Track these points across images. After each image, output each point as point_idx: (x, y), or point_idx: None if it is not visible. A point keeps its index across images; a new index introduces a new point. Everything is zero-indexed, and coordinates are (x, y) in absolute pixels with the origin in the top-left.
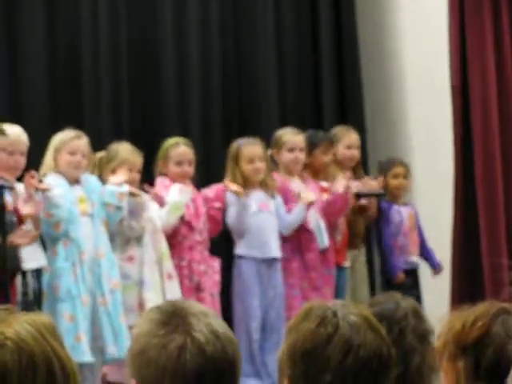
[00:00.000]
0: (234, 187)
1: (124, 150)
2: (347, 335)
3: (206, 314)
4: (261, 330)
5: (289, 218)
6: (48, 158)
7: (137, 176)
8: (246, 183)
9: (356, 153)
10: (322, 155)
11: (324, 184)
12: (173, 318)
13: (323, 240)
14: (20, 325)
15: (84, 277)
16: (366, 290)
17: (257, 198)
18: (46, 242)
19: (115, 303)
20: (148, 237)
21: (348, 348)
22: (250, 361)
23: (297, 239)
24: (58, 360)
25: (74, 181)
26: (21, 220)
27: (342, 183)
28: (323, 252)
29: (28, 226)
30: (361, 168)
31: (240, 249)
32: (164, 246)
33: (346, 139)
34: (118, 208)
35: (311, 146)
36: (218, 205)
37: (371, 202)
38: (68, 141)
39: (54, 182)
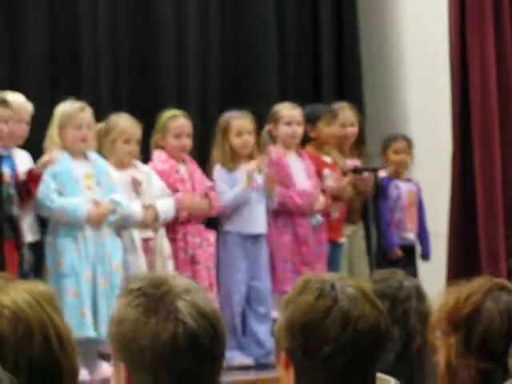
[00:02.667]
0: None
1: (123, 121)
2: (346, 308)
3: (189, 291)
4: (248, 302)
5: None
6: (52, 132)
7: (136, 147)
8: (234, 156)
9: (350, 130)
10: (325, 127)
11: (327, 159)
12: (160, 303)
13: (316, 217)
14: (17, 293)
15: (87, 253)
16: (364, 264)
17: (244, 173)
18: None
19: (113, 286)
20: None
21: (347, 321)
22: (232, 333)
23: (289, 214)
24: (54, 328)
25: (81, 155)
26: (25, 191)
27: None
28: (316, 228)
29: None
30: (363, 144)
31: (226, 225)
32: None
33: (340, 117)
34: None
35: (314, 120)
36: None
37: (367, 178)
38: (72, 115)
39: (59, 159)
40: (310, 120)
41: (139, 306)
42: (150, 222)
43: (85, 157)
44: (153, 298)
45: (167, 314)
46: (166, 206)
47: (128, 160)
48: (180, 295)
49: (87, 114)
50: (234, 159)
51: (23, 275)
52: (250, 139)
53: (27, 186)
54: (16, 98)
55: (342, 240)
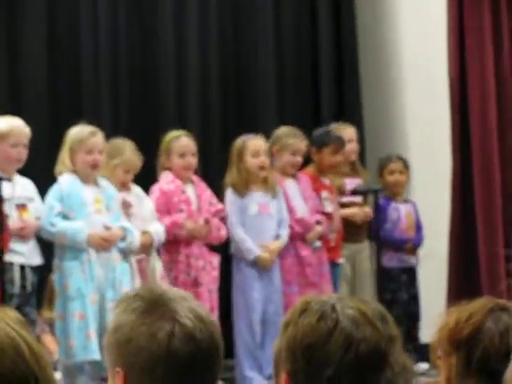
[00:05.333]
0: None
1: (129, 149)
2: (347, 330)
3: (185, 298)
4: (260, 325)
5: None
6: (64, 156)
7: (131, 176)
8: (249, 179)
9: (355, 146)
10: (330, 155)
11: (326, 181)
12: (156, 305)
13: (314, 243)
14: None
15: (92, 275)
16: (370, 285)
17: (257, 199)
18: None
19: None
20: None
21: (349, 343)
22: (250, 353)
23: (291, 236)
24: (25, 343)
25: (91, 180)
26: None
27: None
28: (316, 250)
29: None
30: (359, 163)
31: (237, 250)
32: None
33: (346, 134)
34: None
35: (320, 145)
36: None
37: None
38: (84, 139)
39: (67, 182)
40: (316, 144)
41: (136, 309)
42: (147, 247)
43: (95, 182)
44: (149, 300)
45: (163, 313)
46: (158, 232)
47: (124, 187)
48: (176, 300)
49: (99, 138)
50: (248, 182)
51: (25, 297)
52: (266, 161)
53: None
54: (13, 122)
55: (341, 260)
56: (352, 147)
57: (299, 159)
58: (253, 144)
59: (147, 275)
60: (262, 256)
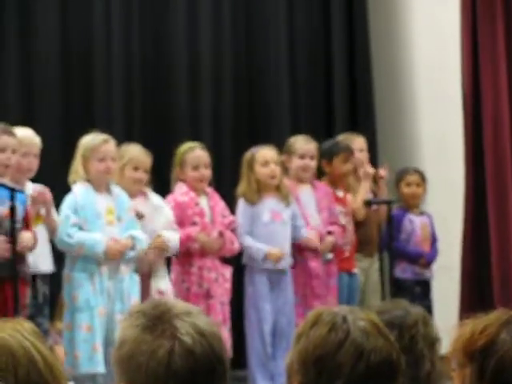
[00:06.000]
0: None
1: (133, 149)
2: (358, 341)
3: (190, 313)
4: (271, 336)
5: (302, 234)
6: (77, 165)
7: (144, 176)
8: (261, 189)
9: (366, 155)
10: (340, 164)
11: (340, 194)
12: (158, 321)
13: (326, 254)
14: None
15: (102, 288)
16: (378, 297)
17: (269, 206)
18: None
19: None
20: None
21: (359, 354)
22: (263, 364)
23: (300, 247)
24: (39, 353)
25: (104, 188)
26: (27, 225)
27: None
28: (327, 262)
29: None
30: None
31: (250, 259)
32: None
33: (356, 144)
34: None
35: (330, 156)
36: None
37: (381, 209)
38: (96, 147)
39: (81, 192)
40: (326, 156)
41: (138, 326)
42: (159, 250)
43: (108, 190)
44: (151, 317)
45: (163, 331)
46: (172, 238)
47: (136, 187)
48: (179, 316)
49: (111, 146)
50: (259, 191)
51: (37, 308)
52: (276, 169)
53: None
54: (24, 132)
55: (355, 270)
56: (362, 156)
57: (309, 162)
58: (262, 154)
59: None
60: (271, 251)
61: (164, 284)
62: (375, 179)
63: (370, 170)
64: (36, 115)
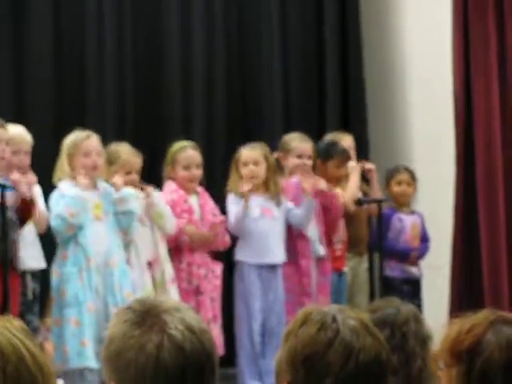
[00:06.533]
0: (246, 187)
1: (124, 152)
2: (347, 340)
3: (179, 309)
4: (261, 335)
5: (299, 211)
6: (62, 162)
7: (136, 177)
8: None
9: (353, 153)
10: (335, 168)
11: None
12: (146, 317)
13: (317, 249)
14: None
15: (91, 283)
16: (366, 296)
17: (259, 202)
18: (57, 246)
19: None
20: (139, 239)
21: (349, 353)
22: (251, 362)
23: (293, 245)
24: (27, 350)
25: (90, 184)
26: (23, 219)
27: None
28: (320, 260)
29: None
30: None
31: (241, 254)
32: (164, 249)
33: (344, 142)
34: (125, 213)
35: (326, 157)
36: (221, 218)
37: (370, 208)
38: (79, 143)
39: (67, 188)
40: (321, 156)
41: (126, 321)
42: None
43: (94, 186)
44: (140, 312)
45: (152, 325)
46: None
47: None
48: (168, 311)
49: (94, 141)
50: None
51: (27, 305)
52: (256, 169)
53: (22, 214)
54: (15, 129)
55: (346, 269)
56: (354, 154)
57: (306, 161)
58: (243, 154)
59: (156, 278)
60: (241, 190)
61: (168, 267)
62: (365, 178)
63: (356, 164)
64: (27, 113)
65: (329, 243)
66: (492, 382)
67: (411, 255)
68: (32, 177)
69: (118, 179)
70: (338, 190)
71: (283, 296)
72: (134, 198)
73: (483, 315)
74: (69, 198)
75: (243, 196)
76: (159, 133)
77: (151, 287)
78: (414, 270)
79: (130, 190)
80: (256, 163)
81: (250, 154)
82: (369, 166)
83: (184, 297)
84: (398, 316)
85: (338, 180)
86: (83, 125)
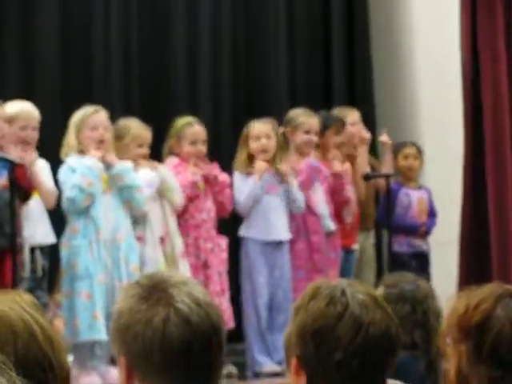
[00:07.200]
0: (262, 165)
1: (134, 125)
2: (357, 313)
3: (186, 283)
4: (268, 310)
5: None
6: (70, 137)
7: (147, 151)
8: (251, 163)
9: (359, 128)
10: (333, 136)
11: (337, 167)
12: (153, 291)
13: (328, 224)
14: None
15: (100, 255)
16: (371, 271)
17: (263, 179)
18: (67, 219)
19: None
20: (152, 215)
21: (358, 326)
22: (259, 337)
23: (303, 221)
24: (38, 326)
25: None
26: (27, 194)
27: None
28: (330, 235)
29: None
30: (368, 147)
31: (245, 231)
32: (173, 224)
33: (350, 117)
34: (124, 187)
35: (323, 127)
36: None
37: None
38: (87, 117)
39: (75, 161)
40: (319, 127)
41: (134, 296)
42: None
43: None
44: (146, 287)
45: (159, 299)
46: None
47: (142, 162)
48: (175, 285)
49: (102, 115)
50: (250, 165)
51: (36, 281)
52: (268, 143)
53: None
54: (22, 105)
55: (355, 246)
56: (356, 130)
57: (313, 137)
58: (256, 128)
59: (166, 253)
60: (256, 168)
61: (178, 241)
62: (373, 152)
63: (366, 134)
64: (35, 89)
65: (339, 220)
66: (503, 357)
67: (419, 230)
68: (33, 154)
69: (109, 156)
70: (347, 166)
71: (289, 273)
72: (129, 171)
73: (489, 289)
74: (84, 167)
75: (257, 173)
76: (166, 113)
77: (164, 263)
78: (422, 243)
79: (123, 164)
80: (268, 137)
81: (263, 127)
82: (384, 138)
83: (193, 272)
84: (417, 292)
85: (337, 148)
86: (90, 100)
